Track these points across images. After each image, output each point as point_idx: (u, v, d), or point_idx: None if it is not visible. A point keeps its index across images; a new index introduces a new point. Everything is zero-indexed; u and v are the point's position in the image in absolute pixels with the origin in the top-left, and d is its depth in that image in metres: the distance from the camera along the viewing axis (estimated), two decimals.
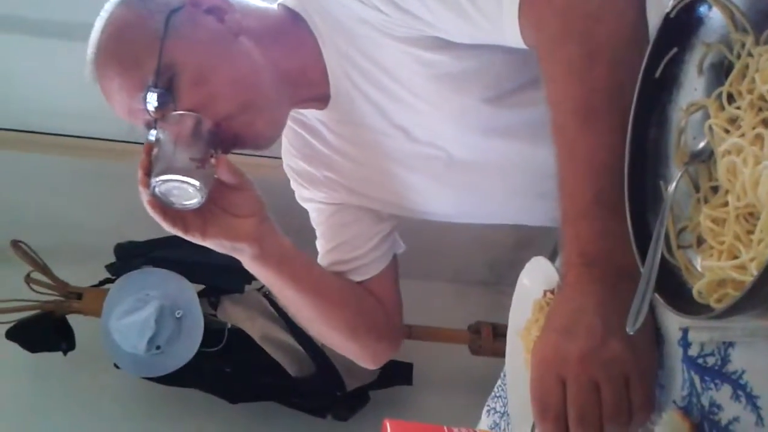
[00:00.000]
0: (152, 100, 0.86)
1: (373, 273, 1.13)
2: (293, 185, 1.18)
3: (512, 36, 0.79)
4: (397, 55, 0.90)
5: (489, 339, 2.07)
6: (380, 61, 0.91)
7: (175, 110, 0.87)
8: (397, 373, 2.22)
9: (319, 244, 1.16)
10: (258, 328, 2.07)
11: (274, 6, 0.99)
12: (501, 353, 1.02)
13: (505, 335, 1.01)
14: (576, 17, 0.72)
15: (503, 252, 2.41)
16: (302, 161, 1.12)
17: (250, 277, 2.17)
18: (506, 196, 1.05)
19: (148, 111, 0.87)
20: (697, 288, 0.56)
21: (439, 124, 0.96)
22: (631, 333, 0.59)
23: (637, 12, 0.71)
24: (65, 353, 2.20)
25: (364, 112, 0.97)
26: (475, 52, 0.88)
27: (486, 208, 1.08)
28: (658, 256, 0.60)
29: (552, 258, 0.93)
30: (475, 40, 0.85)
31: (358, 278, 1.13)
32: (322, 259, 1.15)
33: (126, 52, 0.89)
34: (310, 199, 1.15)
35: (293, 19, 0.96)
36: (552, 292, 0.88)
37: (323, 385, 2.11)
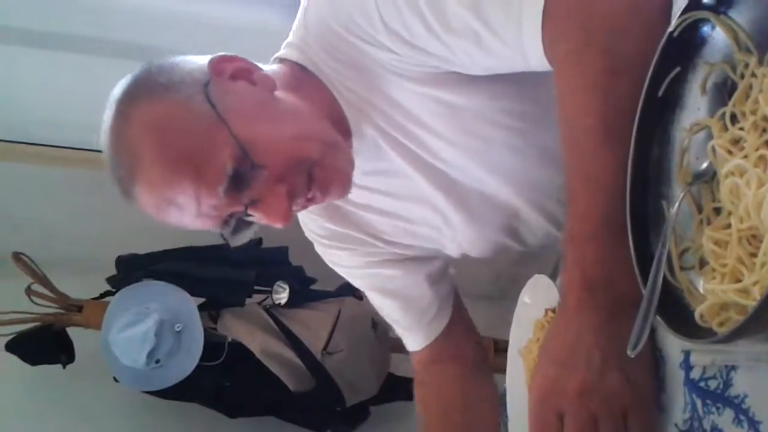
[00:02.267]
0: (237, 186, 0.78)
1: (448, 314, 1.14)
2: (322, 251, 1.13)
3: (535, 56, 0.75)
4: (413, 98, 0.87)
5: (491, 354, 2.06)
6: (400, 103, 0.88)
7: (253, 186, 0.79)
8: (397, 388, 2.20)
9: (387, 307, 1.14)
10: (258, 342, 2.06)
11: (274, 64, 0.93)
12: (502, 369, 1.01)
13: (506, 350, 1.00)
14: (600, 31, 0.70)
15: (506, 267, 2.40)
16: (328, 222, 1.07)
17: (250, 291, 2.20)
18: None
19: (236, 200, 0.79)
20: (699, 311, 0.56)
21: (465, 160, 0.92)
22: (632, 356, 0.59)
23: (664, 24, 0.67)
24: (65, 366, 2.19)
25: (391, 156, 0.93)
26: (489, 85, 0.86)
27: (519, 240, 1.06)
28: (660, 277, 0.60)
29: (553, 275, 0.93)
30: (490, 70, 0.83)
31: (444, 321, 1.13)
32: (409, 329, 1.14)
33: (189, 149, 0.77)
34: (350, 265, 1.12)
35: (302, 70, 0.90)
36: (553, 311, 0.87)
37: (323, 400, 2.09)
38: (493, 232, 1.02)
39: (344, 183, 0.87)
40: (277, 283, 2.12)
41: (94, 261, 2.20)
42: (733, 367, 0.58)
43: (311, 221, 1.10)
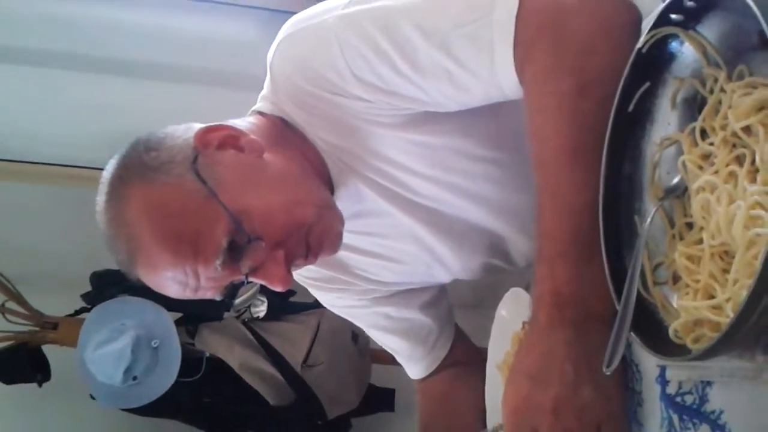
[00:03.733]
0: (234, 259, 0.78)
1: (450, 336, 1.13)
2: (316, 293, 1.12)
3: (509, 84, 0.75)
4: (389, 142, 0.87)
5: None
6: (375, 148, 0.88)
7: (250, 257, 0.79)
8: (379, 400, 2.19)
9: (388, 342, 1.13)
10: (237, 356, 2.04)
11: (253, 118, 0.92)
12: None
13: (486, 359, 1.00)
14: (569, 51, 0.70)
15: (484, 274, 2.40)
16: (315, 266, 1.03)
17: (228, 305, 2.17)
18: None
19: (235, 271, 0.79)
20: (674, 327, 0.56)
21: (447, 194, 0.92)
22: (608, 373, 0.59)
23: (633, 42, 0.67)
24: (41, 384, 2.15)
25: (370, 197, 0.92)
26: (463, 119, 0.86)
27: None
28: (634, 293, 0.60)
29: (530, 287, 0.93)
30: (466, 105, 0.82)
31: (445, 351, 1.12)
32: (415, 363, 1.13)
33: (184, 230, 0.77)
34: (344, 306, 1.11)
35: (282, 122, 0.89)
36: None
37: (304, 414, 2.08)
38: (482, 256, 1.02)
39: (336, 241, 0.87)
40: (256, 296, 2.11)
41: (68, 277, 2.17)
42: (709, 383, 0.58)
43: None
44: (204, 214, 0.77)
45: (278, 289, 0.83)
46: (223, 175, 0.80)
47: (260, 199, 0.80)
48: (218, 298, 0.83)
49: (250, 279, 0.82)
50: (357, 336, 2.12)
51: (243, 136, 0.84)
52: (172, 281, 0.79)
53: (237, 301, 0.84)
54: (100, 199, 0.82)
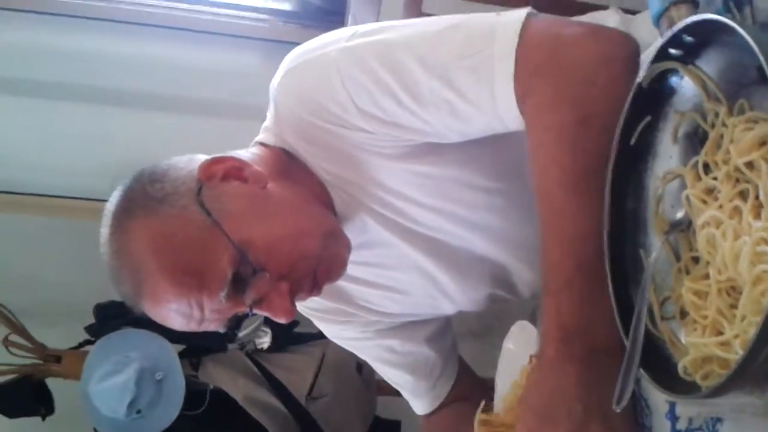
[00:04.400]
0: (239, 290, 0.78)
1: (454, 370, 1.12)
2: (320, 324, 1.11)
3: (510, 116, 0.76)
4: (391, 173, 0.87)
5: None
6: (377, 179, 0.88)
7: (254, 288, 0.79)
8: (383, 431, 2.17)
9: (392, 376, 1.12)
10: (241, 388, 2.02)
11: (256, 149, 0.92)
12: None
13: (493, 388, 0.99)
14: (569, 83, 0.71)
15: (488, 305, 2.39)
16: (318, 297, 1.01)
17: (232, 337, 2.16)
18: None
19: (239, 303, 0.79)
20: (683, 364, 0.55)
21: (449, 224, 0.92)
22: (618, 411, 0.58)
23: (632, 74, 0.68)
24: (44, 418, 2.13)
25: (373, 228, 0.92)
26: (464, 150, 0.86)
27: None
28: (642, 328, 0.59)
29: (536, 317, 0.92)
30: (468, 136, 0.83)
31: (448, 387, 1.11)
32: (421, 398, 1.12)
33: (189, 261, 0.77)
34: (348, 338, 1.11)
35: (285, 153, 0.90)
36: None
37: None
38: (486, 287, 1.01)
39: (343, 267, 0.88)
40: (260, 327, 2.10)
41: (72, 309, 2.16)
42: (719, 419, 0.57)
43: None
44: (208, 246, 0.77)
45: (282, 321, 0.82)
46: (227, 206, 0.80)
47: (264, 230, 0.80)
48: (222, 330, 0.83)
49: (255, 311, 0.81)
50: (362, 367, 2.10)
51: (247, 167, 0.84)
52: (177, 313, 0.79)
53: (241, 334, 0.84)
54: (104, 231, 0.82)
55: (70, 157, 2.15)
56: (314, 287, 0.84)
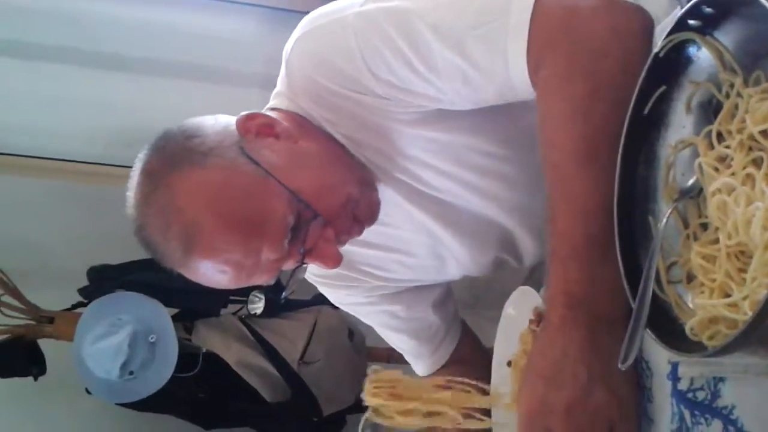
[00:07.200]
0: (297, 237, 0.80)
1: (456, 336, 1.14)
2: (325, 290, 1.14)
3: (522, 86, 0.77)
4: (404, 137, 0.89)
5: None
6: (390, 141, 0.89)
7: (309, 235, 0.82)
8: None
9: (396, 340, 1.14)
10: (233, 352, 2.04)
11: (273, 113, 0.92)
12: None
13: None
14: (581, 54, 0.72)
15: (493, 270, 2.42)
16: None
17: (225, 301, 2.18)
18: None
19: (295, 252, 0.81)
20: (690, 325, 0.57)
21: (458, 188, 0.94)
22: (623, 369, 0.60)
23: (645, 47, 0.70)
24: (36, 378, 2.14)
25: (387, 192, 0.94)
26: (476, 117, 0.87)
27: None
28: (650, 289, 0.61)
29: (527, 282, 0.94)
30: (480, 104, 0.84)
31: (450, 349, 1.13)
32: (422, 360, 1.14)
33: (249, 210, 0.79)
34: (352, 303, 1.13)
35: (298, 117, 0.91)
36: (536, 323, 0.88)
37: (300, 411, 2.08)
38: (493, 250, 1.03)
39: (378, 209, 0.92)
40: (253, 292, 2.09)
41: (65, 272, 2.17)
42: (721, 379, 0.59)
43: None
44: (265, 195, 0.80)
45: (330, 268, 0.86)
46: (271, 159, 0.82)
47: (310, 179, 0.83)
48: (272, 282, 0.84)
49: (306, 260, 0.84)
50: (353, 333, 2.13)
51: (277, 123, 0.86)
52: (229, 264, 0.79)
53: (285, 294, 0.87)
54: (137, 192, 0.82)
55: (67, 120, 2.14)
56: (357, 227, 0.88)
